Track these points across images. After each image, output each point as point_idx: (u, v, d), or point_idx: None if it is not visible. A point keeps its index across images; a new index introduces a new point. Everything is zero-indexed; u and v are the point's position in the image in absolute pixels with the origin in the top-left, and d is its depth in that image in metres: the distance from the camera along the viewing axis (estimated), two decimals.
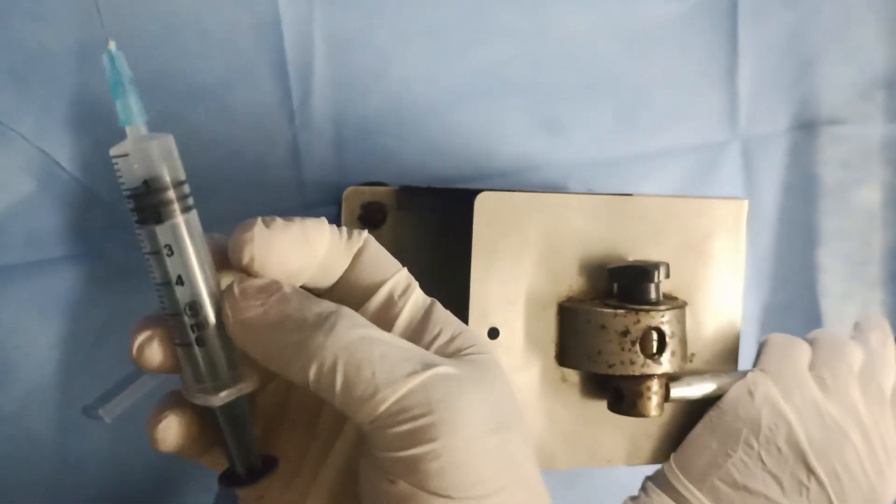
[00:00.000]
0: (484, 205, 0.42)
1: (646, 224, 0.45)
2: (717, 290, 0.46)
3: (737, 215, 0.47)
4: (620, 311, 0.42)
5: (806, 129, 0.62)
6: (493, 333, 0.43)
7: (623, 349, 0.42)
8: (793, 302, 0.64)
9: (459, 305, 0.52)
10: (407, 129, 0.56)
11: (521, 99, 0.58)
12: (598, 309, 0.42)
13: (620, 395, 0.43)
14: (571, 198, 0.44)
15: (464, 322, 0.41)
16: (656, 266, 0.42)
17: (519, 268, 0.43)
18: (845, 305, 0.64)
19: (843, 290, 0.63)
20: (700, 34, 0.59)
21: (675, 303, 0.43)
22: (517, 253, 0.43)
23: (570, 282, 0.44)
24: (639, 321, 0.42)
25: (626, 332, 0.42)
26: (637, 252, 0.45)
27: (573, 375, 0.44)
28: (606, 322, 0.42)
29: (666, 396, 0.43)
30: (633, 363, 0.42)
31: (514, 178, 0.57)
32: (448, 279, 0.55)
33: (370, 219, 0.53)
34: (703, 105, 0.61)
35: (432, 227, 0.54)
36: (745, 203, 0.47)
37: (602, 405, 0.44)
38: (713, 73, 0.60)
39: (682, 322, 0.43)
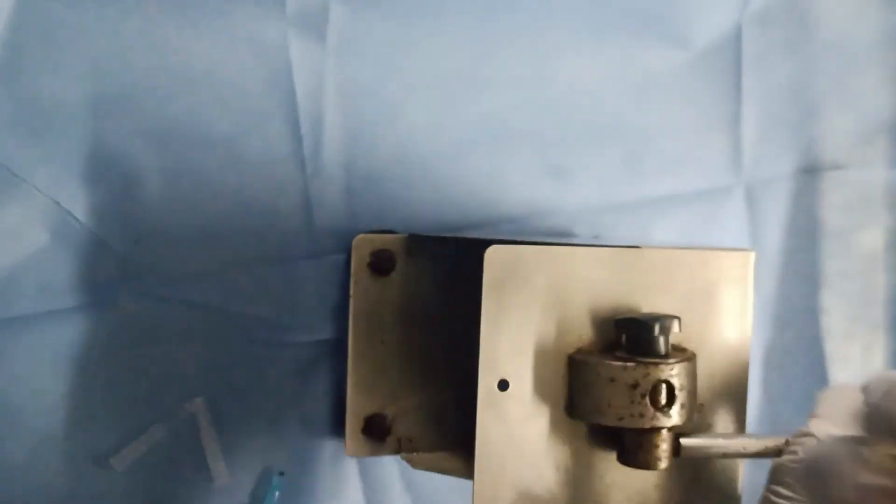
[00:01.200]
0: (493, 257, 0.43)
1: (653, 275, 0.45)
2: (726, 340, 0.47)
3: (744, 266, 0.47)
4: (630, 364, 0.42)
5: (809, 173, 0.63)
6: (503, 385, 0.43)
7: (632, 402, 0.42)
8: (795, 343, 0.65)
9: (468, 353, 0.52)
10: (416, 177, 0.56)
11: (528, 146, 0.58)
12: (608, 362, 0.42)
13: (630, 447, 0.43)
14: (580, 250, 0.44)
15: (474, 372, 0.41)
16: (666, 319, 0.42)
17: (528, 319, 0.43)
18: (848, 347, 0.64)
19: (845, 332, 0.64)
20: (705, 82, 0.60)
21: (685, 355, 0.43)
22: (526, 304, 0.43)
23: (580, 332, 0.44)
24: (648, 374, 0.42)
25: (635, 385, 0.42)
26: (645, 303, 0.45)
27: (582, 427, 0.45)
28: (616, 375, 0.42)
29: (676, 450, 0.43)
30: (642, 416, 0.42)
31: (521, 224, 0.58)
32: (458, 327, 0.55)
33: (380, 266, 0.54)
34: (708, 151, 0.61)
35: (441, 274, 0.55)
36: (752, 255, 0.47)
37: (611, 456, 0.45)
38: (718, 119, 0.61)
39: (691, 375, 0.43)
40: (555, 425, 0.44)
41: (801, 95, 0.62)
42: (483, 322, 0.43)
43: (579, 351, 0.44)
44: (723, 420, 0.47)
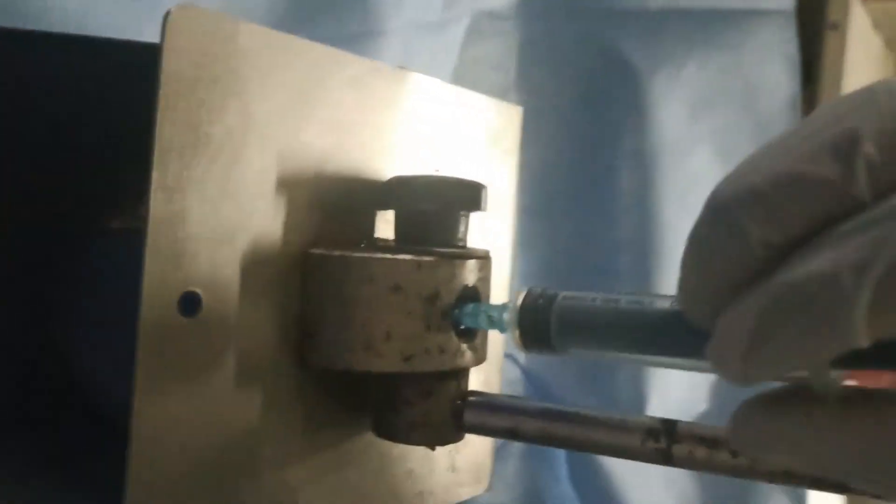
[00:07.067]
0: (183, 27, 0.20)
1: (411, 112, 0.27)
2: (491, 221, 0.31)
3: (515, 120, 0.32)
4: (427, 260, 0.23)
5: None
6: (191, 305, 0.21)
7: (429, 327, 0.23)
8: None
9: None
10: None
11: None
12: (389, 257, 0.23)
13: (411, 408, 0.24)
14: (332, 52, 0.24)
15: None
16: (473, 187, 0.25)
17: (236, 177, 0.22)
18: None
19: None
20: None
21: (480, 250, 0.26)
22: (235, 146, 0.21)
23: (321, 213, 0.24)
24: (453, 277, 0.24)
25: (434, 297, 0.23)
26: (406, 161, 0.27)
27: (316, 381, 0.24)
28: (402, 280, 0.23)
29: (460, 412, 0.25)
30: (443, 351, 0.24)
31: None
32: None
33: None
34: None
35: None
36: (520, 110, 0.32)
37: (360, 430, 0.25)
38: None
39: (489, 279, 0.26)
40: (281, 382, 0.23)
41: None
42: (155, 176, 0.20)
43: (320, 243, 0.24)
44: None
